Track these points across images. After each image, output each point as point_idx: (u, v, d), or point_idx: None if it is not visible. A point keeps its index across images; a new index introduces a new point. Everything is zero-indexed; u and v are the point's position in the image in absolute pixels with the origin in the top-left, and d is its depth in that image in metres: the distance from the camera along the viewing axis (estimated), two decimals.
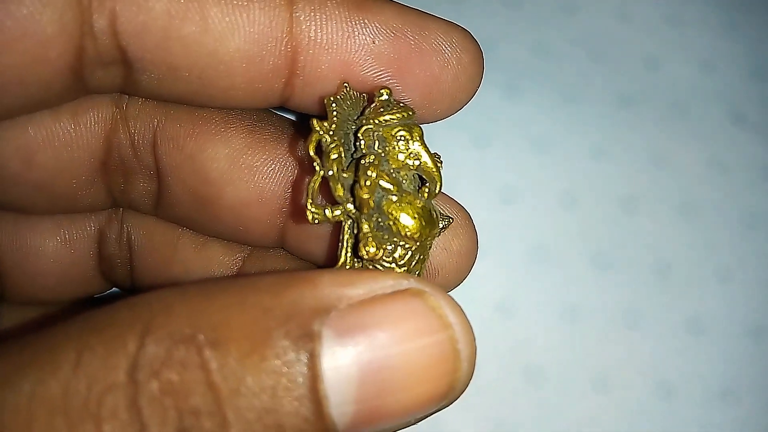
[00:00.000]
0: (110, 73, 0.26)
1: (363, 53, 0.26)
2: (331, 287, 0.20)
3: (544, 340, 0.39)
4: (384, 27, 0.26)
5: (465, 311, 0.21)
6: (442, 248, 0.28)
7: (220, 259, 0.31)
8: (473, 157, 0.40)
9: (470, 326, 0.21)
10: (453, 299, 0.21)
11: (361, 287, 0.20)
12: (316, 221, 0.24)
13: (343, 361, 0.19)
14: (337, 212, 0.25)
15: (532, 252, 0.40)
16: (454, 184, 0.40)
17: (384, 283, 0.21)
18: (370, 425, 0.20)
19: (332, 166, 0.24)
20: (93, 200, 0.31)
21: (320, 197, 0.26)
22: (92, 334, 0.20)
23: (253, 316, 0.20)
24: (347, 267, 0.25)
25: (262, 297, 0.20)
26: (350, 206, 0.25)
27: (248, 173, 0.28)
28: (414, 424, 0.21)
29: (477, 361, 0.38)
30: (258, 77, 0.26)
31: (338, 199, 0.24)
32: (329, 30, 0.25)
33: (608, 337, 0.39)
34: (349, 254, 0.25)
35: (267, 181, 0.28)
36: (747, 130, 0.41)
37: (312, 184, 0.24)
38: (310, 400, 0.19)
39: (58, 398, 0.19)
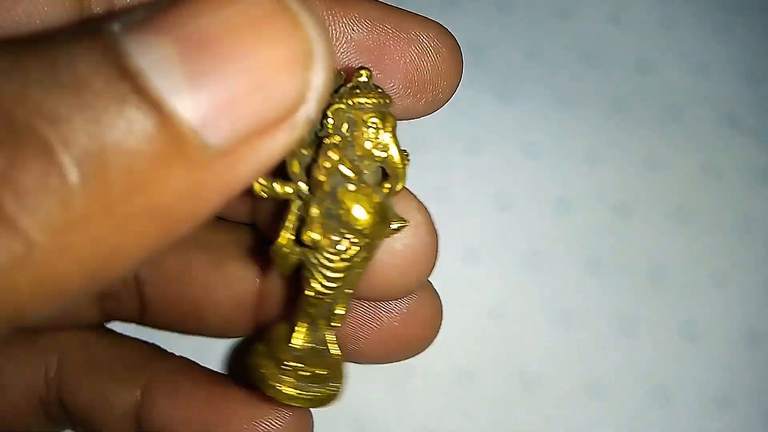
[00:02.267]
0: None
1: (342, 41, 0.25)
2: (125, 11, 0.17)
3: (538, 345, 0.39)
4: (362, 18, 0.25)
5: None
6: (391, 248, 0.26)
7: (240, 275, 0.31)
8: (466, 162, 0.40)
9: (322, 20, 0.18)
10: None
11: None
12: (264, 194, 0.23)
13: (152, 42, 0.15)
14: (288, 189, 0.23)
15: (526, 258, 0.39)
16: (447, 189, 0.40)
17: None
18: (221, 114, 0.16)
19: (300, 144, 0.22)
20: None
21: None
22: None
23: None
24: (286, 250, 0.24)
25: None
26: (303, 186, 0.23)
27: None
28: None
29: (471, 366, 0.38)
30: None
31: (292, 176, 0.23)
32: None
33: (603, 343, 0.39)
34: (289, 235, 0.24)
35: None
36: (741, 134, 0.41)
37: None
38: (122, 77, 0.15)
39: None
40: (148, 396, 0.30)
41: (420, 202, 0.27)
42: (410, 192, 0.27)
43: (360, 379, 0.32)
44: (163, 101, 0.15)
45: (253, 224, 0.31)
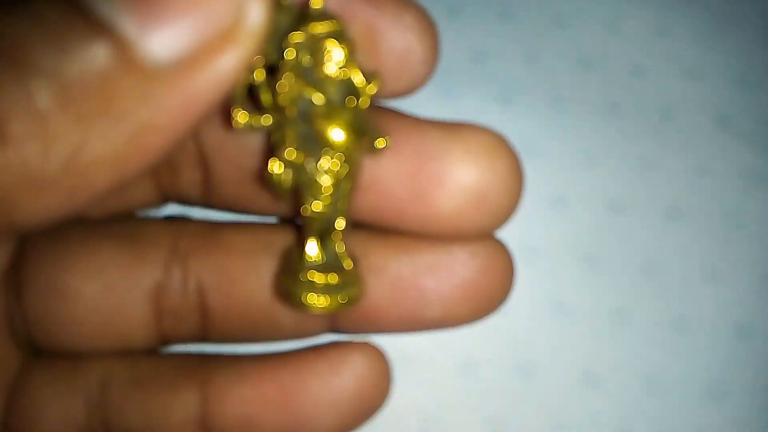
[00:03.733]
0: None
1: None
2: None
3: (534, 337, 0.40)
4: None
5: None
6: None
7: None
8: None
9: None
10: None
11: None
12: (242, 126, 0.24)
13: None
14: (263, 119, 0.25)
15: (525, 253, 0.41)
16: None
17: None
18: (163, 25, 0.18)
19: (260, 74, 0.24)
20: (148, 197, 0.31)
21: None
22: None
23: None
24: (277, 176, 0.25)
25: None
26: (276, 114, 0.25)
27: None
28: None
29: (470, 357, 0.40)
30: None
31: (266, 106, 0.24)
32: None
33: (598, 335, 0.41)
34: (277, 162, 0.25)
35: None
36: (732, 136, 0.43)
37: (239, 90, 0.24)
38: (68, 8, 0.18)
39: None
40: (213, 391, 0.29)
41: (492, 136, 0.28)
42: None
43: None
44: (109, 26, 0.18)
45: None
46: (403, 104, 0.30)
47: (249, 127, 0.25)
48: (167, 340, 0.32)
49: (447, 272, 0.29)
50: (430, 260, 0.29)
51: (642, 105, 0.43)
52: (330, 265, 0.27)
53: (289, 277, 0.27)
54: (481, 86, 0.43)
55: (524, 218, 0.43)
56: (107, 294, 0.29)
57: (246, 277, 0.30)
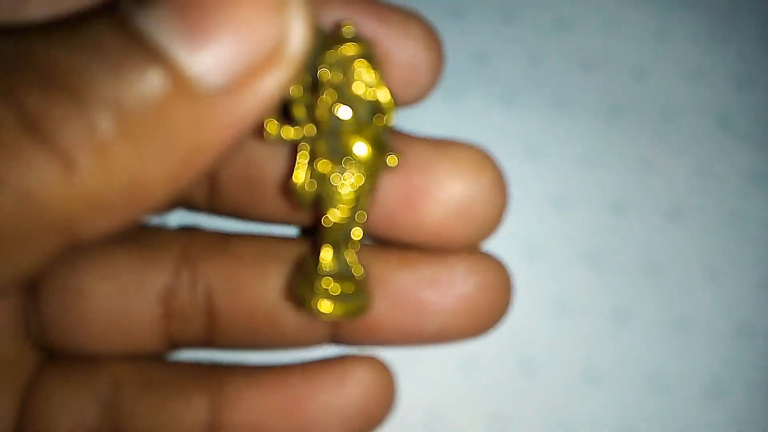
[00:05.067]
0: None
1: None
2: None
3: (536, 336, 0.41)
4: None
5: None
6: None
7: None
8: None
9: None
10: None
11: None
12: (274, 138, 0.26)
13: (148, 2, 0.19)
14: (295, 132, 0.26)
15: (526, 253, 0.42)
16: None
17: None
18: (216, 57, 0.19)
19: (297, 90, 0.26)
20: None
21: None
22: None
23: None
24: (301, 186, 0.27)
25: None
26: (308, 128, 0.26)
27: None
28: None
29: (471, 354, 0.40)
30: None
31: (297, 120, 0.26)
32: None
33: (600, 335, 0.41)
34: (303, 172, 0.27)
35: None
36: (733, 137, 0.43)
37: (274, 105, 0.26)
38: (127, 34, 0.19)
39: None
40: (223, 397, 0.30)
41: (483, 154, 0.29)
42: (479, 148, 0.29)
43: None
44: (164, 54, 0.19)
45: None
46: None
47: (279, 138, 0.26)
48: (175, 343, 0.32)
49: (447, 287, 0.30)
50: (430, 274, 0.30)
51: (643, 106, 0.43)
52: (343, 273, 0.28)
53: (303, 283, 0.28)
54: (483, 88, 0.43)
55: (526, 218, 0.43)
56: (119, 295, 0.30)
57: (253, 283, 0.31)
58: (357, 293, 0.28)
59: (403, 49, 0.28)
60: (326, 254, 0.28)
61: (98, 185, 0.19)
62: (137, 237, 0.32)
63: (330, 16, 0.27)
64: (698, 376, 0.41)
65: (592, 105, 0.43)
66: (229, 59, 0.19)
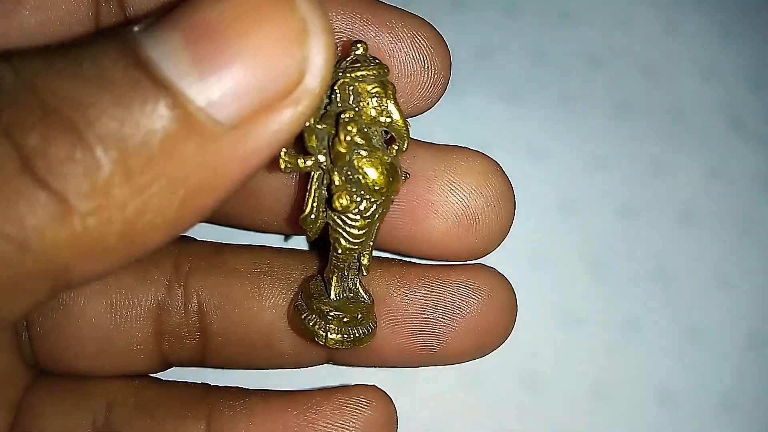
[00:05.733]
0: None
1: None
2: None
3: (543, 347, 0.39)
4: (337, 4, 0.27)
5: None
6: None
7: None
8: None
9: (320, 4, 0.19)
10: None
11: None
12: (288, 169, 0.25)
13: (163, 35, 0.18)
14: (309, 162, 0.25)
15: (532, 260, 0.40)
16: None
17: None
18: (227, 93, 0.18)
19: (311, 120, 0.25)
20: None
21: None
22: None
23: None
24: (312, 217, 0.26)
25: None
26: (321, 158, 0.25)
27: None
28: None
29: (477, 368, 0.38)
30: None
31: (310, 149, 0.25)
32: None
33: (608, 345, 0.39)
34: (315, 204, 0.26)
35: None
36: (746, 138, 0.41)
37: None
38: (138, 68, 0.18)
39: None
40: (217, 422, 0.30)
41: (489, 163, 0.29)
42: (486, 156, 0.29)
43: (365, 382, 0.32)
44: (172, 85, 0.17)
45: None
46: None
47: (295, 168, 0.25)
48: (169, 362, 0.32)
49: (448, 307, 0.30)
50: (432, 294, 0.30)
51: (652, 105, 0.41)
52: (349, 300, 0.28)
53: (308, 310, 0.28)
54: (487, 84, 0.41)
55: (531, 223, 0.41)
56: (111, 312, 0.30)
57: (247, 300, 0.30)
58: (363, 321, 0.28)
59: (408, 57, 0.27)
60: (335, 284, 0.28)
61: (96, 229, 0.18)
62: None
63: (334, 20, 0.26)
64: (709, 390, 0.39)
65: (600, 104, 0.41)
66: (241, 92, 0.18)
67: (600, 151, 0.41)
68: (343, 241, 0.27)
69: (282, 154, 0.25)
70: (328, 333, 0.27)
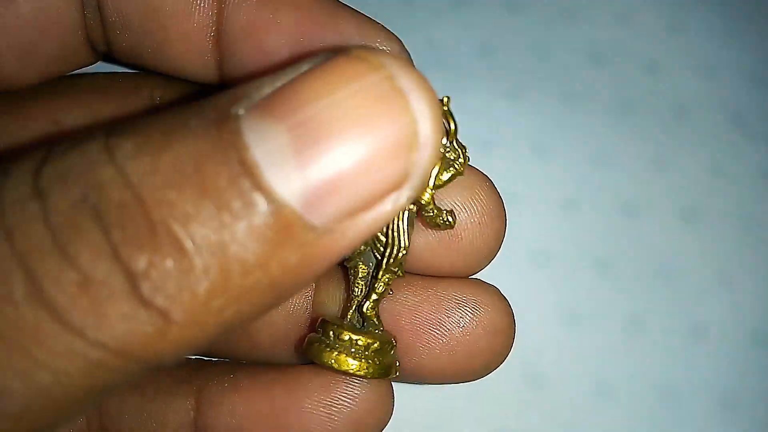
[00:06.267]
0: (97, 26, 0.27)
1: (284, 17, 0.26)
2: (253, 83, 0.18)
3: (545, 345, 0.39)
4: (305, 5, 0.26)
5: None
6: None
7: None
8: (476, 162, 0.40)
9: (434, 96, 0.18)
10: (413, 68, 0.18)
11: (289, 73, 0.18)
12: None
13: (269, 131, 0.17)
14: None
15: (534, 257, 0.40)
16: None
17: (315, 59, 0.18)
18: (328, 197, 0.17)
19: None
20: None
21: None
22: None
23: (163, 115, 0.18)
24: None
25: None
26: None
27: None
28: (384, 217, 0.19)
29: None
30: (188, 30, 0.26)
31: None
32: None
33: (611, 343, 0.39)
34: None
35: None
36: (748, 136, 0.41)
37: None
38: (241, 173, 0.17)
39: None
40: (205, 399, 0.29)
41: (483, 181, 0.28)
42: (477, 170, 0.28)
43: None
44: (275, 193, 0.17)
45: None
46: None
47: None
48: None
49: (444, 329, 0.28)
50: (429, 314, 0.29)
51: (655, 103, 0.41)
52: (366, 331, 0.28)
53: (329, 347, 0.27)
54: (489, 81, 0.41)
55: (533, 221, 0.41)
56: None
57: None
58: (384, 349, 0.27)
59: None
60: (350, 314, 0.28)
61: (191, 334, 0.18)
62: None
63: None
64: (712, 387, 0.39)
65: (602, 101, 0.41)
66: (345, 198, 0.17)
67: (602, 149, 0.41)
68: (358, 288, 0.28)
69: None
70: (350, 362, 0.26)
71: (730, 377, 0.39)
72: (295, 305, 0.30)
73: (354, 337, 0.26)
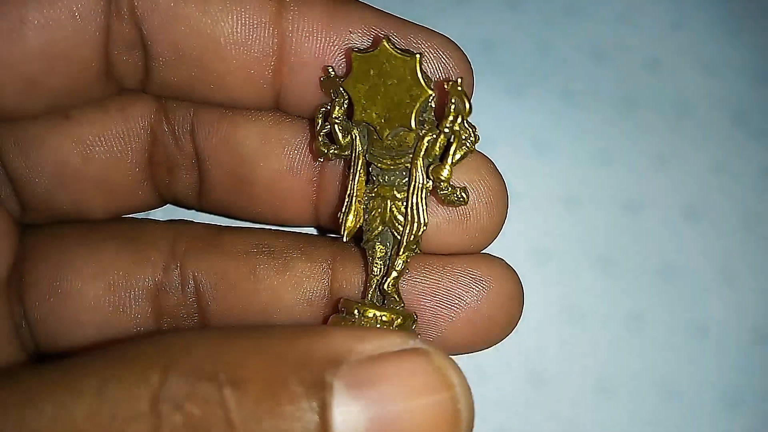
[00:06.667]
0: (133, 60, 0.27)
1: (342, 42, 0.28)
2: (342, 340, 0.22)
3: (547, 343, 0.39)
4: (362, 23, 0.28)
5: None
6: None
7: (308, 275, 0.31)
8: None
9: (469, 387, 0.22)
10: (454, 360, 0.22)
11: (370, 343, 0.21)
12: (328, 154, 0.28)
13: (353, 414, 0.20)
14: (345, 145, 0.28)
15: (536, 255, 0.39)
16: None
17: (392, 341, 0.22)
18: None
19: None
20: (144, 198, 0.31)
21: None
22: (116, 364, 0.20)
23: (270, 360, 0.21)
24: (351, 226, 0.28)
25: (277, 343, 0.22)
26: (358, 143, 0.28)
27: (279, 147, 0.29)
28: None
29: (480, 364, 0.38)
30: (250, 62, 0.27)
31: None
32: (314, 21, 0.27)
33: (612, 341, 0.39)
34: (352, 214, 0.28)
35: (297, 152, 0.30)
36: (750, 133, 0.41)
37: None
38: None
39: (81, 423, 0.19)
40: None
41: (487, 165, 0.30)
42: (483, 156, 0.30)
43: None
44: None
45: (318, 227, 0.33)
46: None
47: (331, 154, 0.28)
48: (162, 318, 0.32)
49: (447, 296, 0.30)
50: (448, 290, 0.30)
51: (657, 100, 0.41)
52: (387, 304, 0.29)
53: (348, 321, 0.28)
54: (490, 77, 0.41)
55: (535, 219, 0.41)
56: (109, 294, 0.30)
57: (244, 281, 0.30)
58: (405, 324, 0.28)
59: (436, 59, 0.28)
60: (371, 293, 0.28)
61: None
62: (126, 231, 0.31)
63: (353, 21, 0.28)
64: (713, 385, 0.39)
65: (604, 98, 0.41)
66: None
67: (604, 146, 0.41)
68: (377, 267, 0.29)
69: (320, 139, 0.26)
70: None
71: (732, 375, 0.39)
72: (313, 292, 0.30)
73: (378, 313, 0.27)
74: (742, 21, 0.42)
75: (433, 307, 0.30)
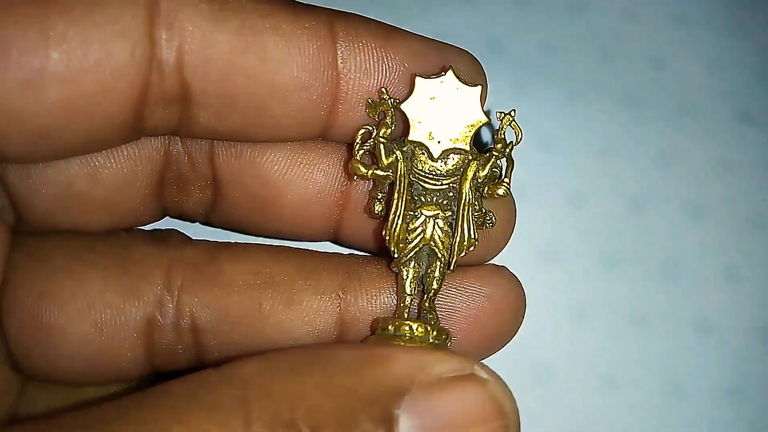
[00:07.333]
0: (170, 112, 0.26)
1: (394, 76, 0.28)
2: (403, 368, 0.23)
3: (552, 338, 0.39)
4: (410, 52, 0.28)
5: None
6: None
7: (316, 309, 0.30)
8: None
9: (518, 412, 0.24)
10: (507, 387, 0.24)
11: (431, 371, 0.23)
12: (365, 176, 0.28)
13: None
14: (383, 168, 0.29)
15: (540, 251, 0.40)
16: None
17: (450, 366, 0.23)
18: None
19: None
20: (150, 214, 0.30)
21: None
22: (194, 411, 0.21)
23: (341, 398, 0.22)
24: (397, 240, 0.28)
25: (345, 378, 0.23)
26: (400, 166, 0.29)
27: (307, 171, 0.29)
28: None
29: (486, 360, 0.38)
30: (308, 104, 0.27)
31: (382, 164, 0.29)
32: (365, 58, 0.28)
33: (616, 336, 0.39)
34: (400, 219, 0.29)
35: (324, 176, 0.29)
36: (754, 130, 0.41)
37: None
38: None
39: None
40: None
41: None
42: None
43: None
44: None
45: (335, 241, 0.32)
46: None
47: (369, 176, 0.29)
48: (163, 372, 0.31)
49: (456, 305, 0.30)
50: (466, 309, 0.30)
51: (661, 97, 0.41)
52: (423, 320, 0.29)
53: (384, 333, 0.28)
54: (495, 75, 0.40)
55: (540, 217, 0.41)
56: (97, 333, 0.28)
57: (247, 317, 0.29)
58: (441, 341, 0.28)
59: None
60: (403, 307, 0.29)
61: None
62: (114, 255, 0.29)
63: (402, 53, 0.28)
64: (718, 382, 0.39)
65: (609, 95, 0.41)
66: None
67: (609, 143, 0.41)
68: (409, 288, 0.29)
69: (358, 157, 0.27)
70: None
71: (736, 371, 0.39)
72: (323, 325, 0.30)
73: (414, 325, 0.28)
74: (747, 18, 0.43)
75: (454, 323, 0.30)
